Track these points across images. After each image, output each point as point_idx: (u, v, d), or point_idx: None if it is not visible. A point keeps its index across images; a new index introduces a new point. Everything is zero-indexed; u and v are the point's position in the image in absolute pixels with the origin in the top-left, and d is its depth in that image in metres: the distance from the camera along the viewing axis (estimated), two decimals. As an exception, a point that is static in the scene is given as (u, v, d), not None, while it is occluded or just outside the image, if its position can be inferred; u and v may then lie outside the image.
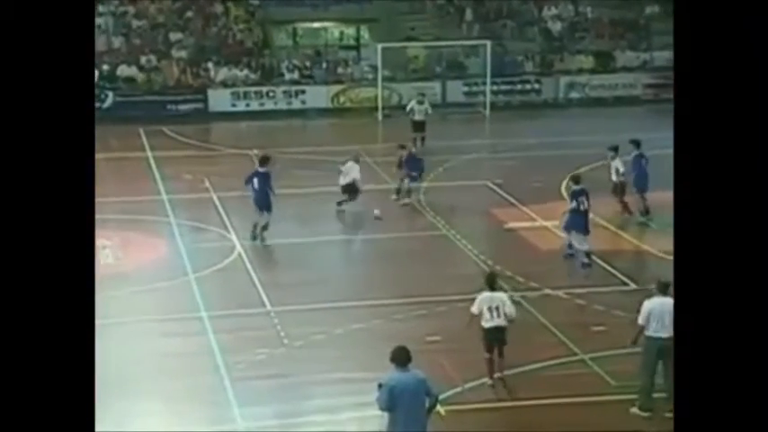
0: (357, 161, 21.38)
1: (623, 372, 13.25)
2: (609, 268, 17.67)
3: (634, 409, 12.25)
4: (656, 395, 12.21)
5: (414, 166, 21.99)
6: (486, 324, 12.95)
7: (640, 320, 12.14)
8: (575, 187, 17.97)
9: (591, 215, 17.98)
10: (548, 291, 16.50)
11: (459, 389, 12.85)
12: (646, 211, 20.27)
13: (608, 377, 13.23)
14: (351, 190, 21.06)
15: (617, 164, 20.42)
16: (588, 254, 17.69)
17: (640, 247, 19.06)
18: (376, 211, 20.78)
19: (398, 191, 21.93)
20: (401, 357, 9.88)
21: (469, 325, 13.16)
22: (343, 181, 21.17)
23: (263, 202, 18.87)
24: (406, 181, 21.85)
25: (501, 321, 12.94)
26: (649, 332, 12.06)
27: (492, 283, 13.21)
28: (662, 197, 21.16)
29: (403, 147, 22.60)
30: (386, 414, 9.91)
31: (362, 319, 15.30)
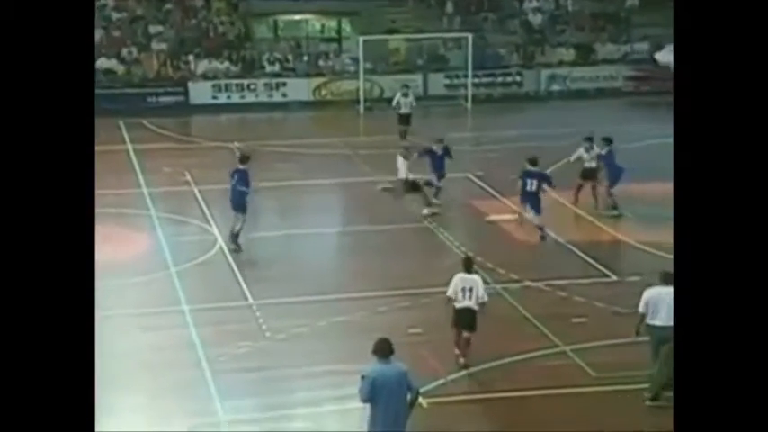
0: (405, 158, 20.61)
1: (603, 363, 13.35)
2: (589, 260, 17.75)
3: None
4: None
5: (438, 165, 21.18)
6: (458, 305, 13.19)
7: (640, 309, 12.38)
8: (528, 168, 18.53)
9: (575, 207, 18.09)
10: (528, 282, 16.56)
11: (441, 381, 12.89)
12: (613, 206, 20.35)
13: (588, 368, 13.30)
14: (413, 187, 20.49)
15: (595, 150, 20.59)
16: (542, 228, 18.55)
17: (619, 239, 19.15)
18: (425, 210, 20.19)
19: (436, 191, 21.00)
20: (383, 349, 9.91)
21: (448, 307, 13.36)
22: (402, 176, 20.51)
23: (237, 203, 18.22)
24: (434, 182, 20.98)
25: (471, 303, 13.12)
26: (647, 320, 12.29)
27: (468, 266, 13.42)
28: (641, 188, 21.31)
29: (440, 141, 21.54)
30: (368, 406, 9.94)
31: (345, 312, 15.31)
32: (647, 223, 19.51)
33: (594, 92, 34.48)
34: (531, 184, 18.53)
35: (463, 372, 13.26)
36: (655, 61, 34.40)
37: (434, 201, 20.80)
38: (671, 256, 16.93)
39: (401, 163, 20.63)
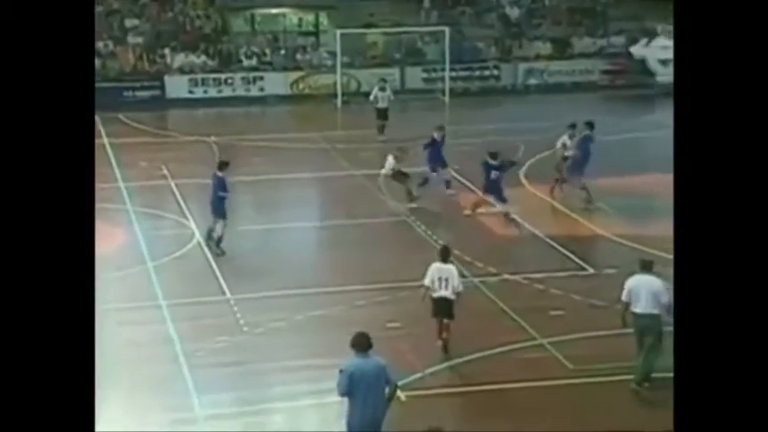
0: (395, 157, 20.56)
1: (580, 355, 13.41)
2: (566, 253, 17.82)
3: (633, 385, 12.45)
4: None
5: (435, 156, 21.19)
6: (434, 294, 13.40)
7: (623, 297, 12.52)
8: (490, 162, 19.37)
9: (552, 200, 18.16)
10: (506, 276, 16.61)
11: (419, 374, 12.91)
12: (588, 200, 20.49)
13: (566, 361, 13.36)
14: (399, 178, 20.53)
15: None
16: (507, 213, 19.45)
17: (596, 232, 19.23)
18: (412, 204, 20.25)
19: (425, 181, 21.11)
20: (362, 343, 9.92)
21: (424, 297, 13.51)
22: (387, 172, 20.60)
23: (215, 209, 17.89)
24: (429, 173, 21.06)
25: (448, 293, 13.31)
26: (630, 308, 12.42)
27: (445, 256, 13.59)
28: (617, 181, 21.43)
29: (440, 128, 21.61)
30: (346, 400, 9.95)
31: (323, 306, 15.29)
32: (623, 216, 19.62)
33: (571, 85, 34.59)
34: (492, 175, 19.29)
35: (441, 365, 13.30)
36: (630, 55, 34.56)
37: (415, 194, 20.77)
38: (647, 249, 17.05)
39: (391, 161, 20.57)
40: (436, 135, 21.41)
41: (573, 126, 21.15)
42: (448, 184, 21.36)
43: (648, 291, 12.16)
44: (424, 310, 13.73)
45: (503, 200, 19.48)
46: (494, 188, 19.46)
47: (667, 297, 12.11)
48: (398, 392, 10.74)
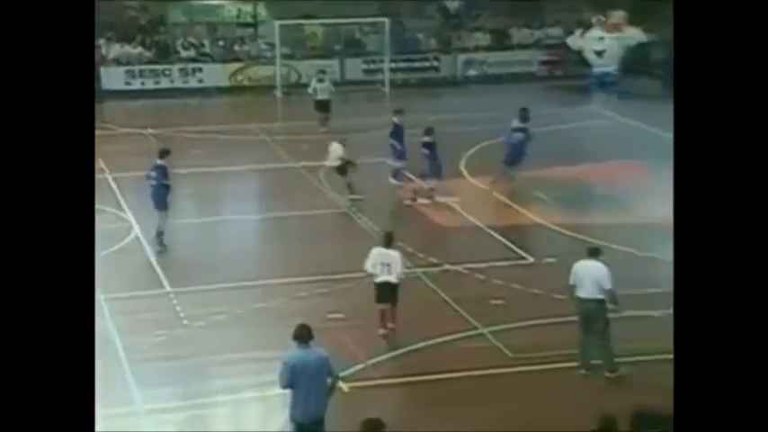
0: (342, 143, 20.33)
1: (521, 344, 13.55)
2: (506, 243, 17.97)
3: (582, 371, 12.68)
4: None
5: (399, 142, 21.01)
6: (377, 279, 13.51)
7: (570, 281, 12.71)
8: (424, 139, 20.05)
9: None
10: (447, 266, 16.70)
11: (361, 365, 12.94)
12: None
13: (506, 350, 13.48)
14: (342, 170, 20.25)
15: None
16: (431, 191, 20.06)
17: (535, 222, 19.42)
18: (350, 196, 20.13)
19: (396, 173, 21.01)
20: (303, 335, 9.92)
21: (371, 283, 13.61)
22: (333, 163, 20.30)
23: (158, 199, 17.62)
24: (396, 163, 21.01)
25: (391, 278, 13.45)
26: (575, 293, 12.60)
27: (387, 242, 13.70)
28: (556, 172, 21.66)
29: (399, 112, 21.34)
30: (289, 392, 9.93)
31: (264, 299, 15.23)
32: (561, 206, 19.83)
33: (510, 76, 34.82)
34: (427, 152, 20.00)
35: (383, 356, 13.33)
36: (567, 46, 34.92)
37: (395, 182, 20.87)
38: (586, 238, 17.26)
39: (337, 148, 20.33)
40: (396, 120, 21.31)
41: (525, 110, 21.26)
42: (396, 174, 21.30)
43: (593, 277, 12.37)
44: (365, 301, 13.75)
45: (436, 173, 19.94)
46: (427, 163, 19.93)
47: (610, 284, 12.31)
48: (340, 383, 10.75)
